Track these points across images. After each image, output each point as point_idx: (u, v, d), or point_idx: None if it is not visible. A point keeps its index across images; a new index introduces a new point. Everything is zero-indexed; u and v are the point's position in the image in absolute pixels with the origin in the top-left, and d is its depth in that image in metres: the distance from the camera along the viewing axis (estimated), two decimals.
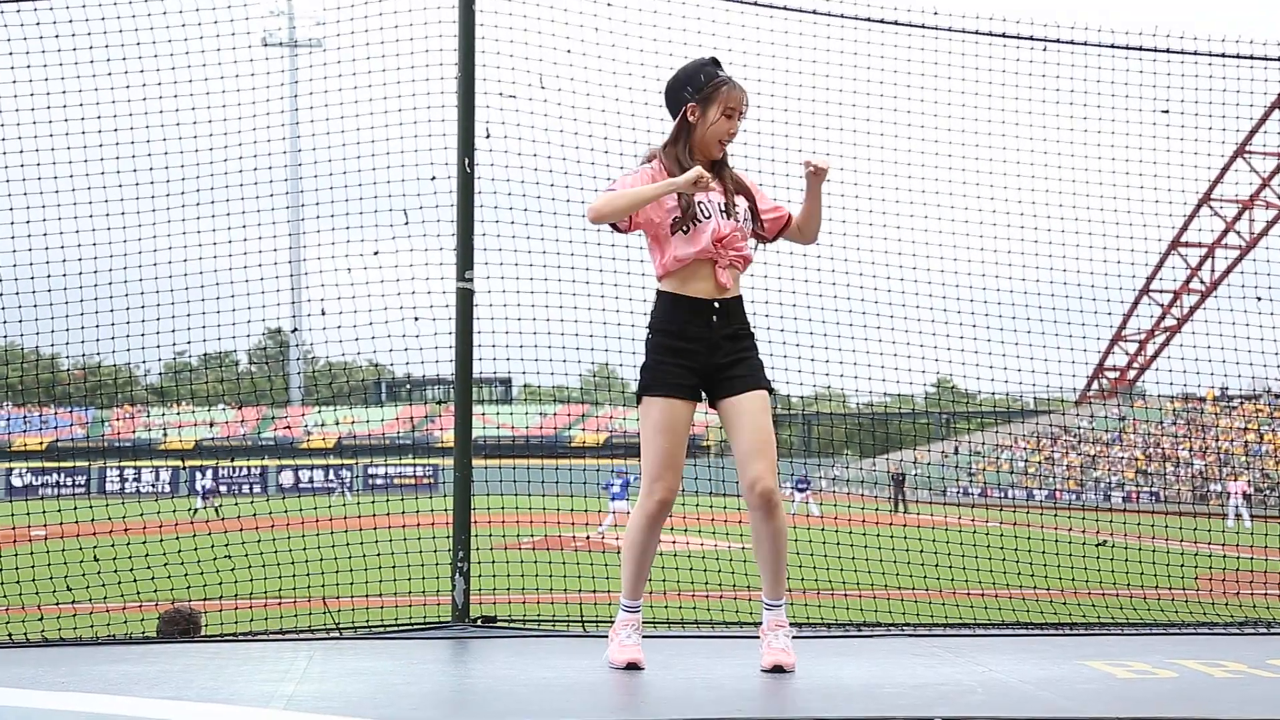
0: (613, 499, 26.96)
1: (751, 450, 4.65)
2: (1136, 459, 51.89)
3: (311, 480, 56.87)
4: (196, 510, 31.70)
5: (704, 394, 4.79)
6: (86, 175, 7.06)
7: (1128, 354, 63.14)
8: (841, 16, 7.44)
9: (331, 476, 56.55)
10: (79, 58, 7.02)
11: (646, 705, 4.36)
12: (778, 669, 4.69)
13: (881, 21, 7.50)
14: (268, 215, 7.61)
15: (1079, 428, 56.53)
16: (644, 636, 4.93)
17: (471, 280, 6.40)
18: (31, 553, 8.85)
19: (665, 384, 4.72)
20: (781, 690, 4.56)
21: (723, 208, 4.75)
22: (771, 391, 4.78)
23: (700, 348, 4.72)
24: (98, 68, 7.08)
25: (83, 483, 51.89)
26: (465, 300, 6.39)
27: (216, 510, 30.15)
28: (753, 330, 4.85)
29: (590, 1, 7.13)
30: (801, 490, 37.86)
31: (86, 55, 7.02)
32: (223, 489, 51.28)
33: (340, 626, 6.16)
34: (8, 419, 43.70)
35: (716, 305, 4.72)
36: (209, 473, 45.00)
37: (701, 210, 4.72)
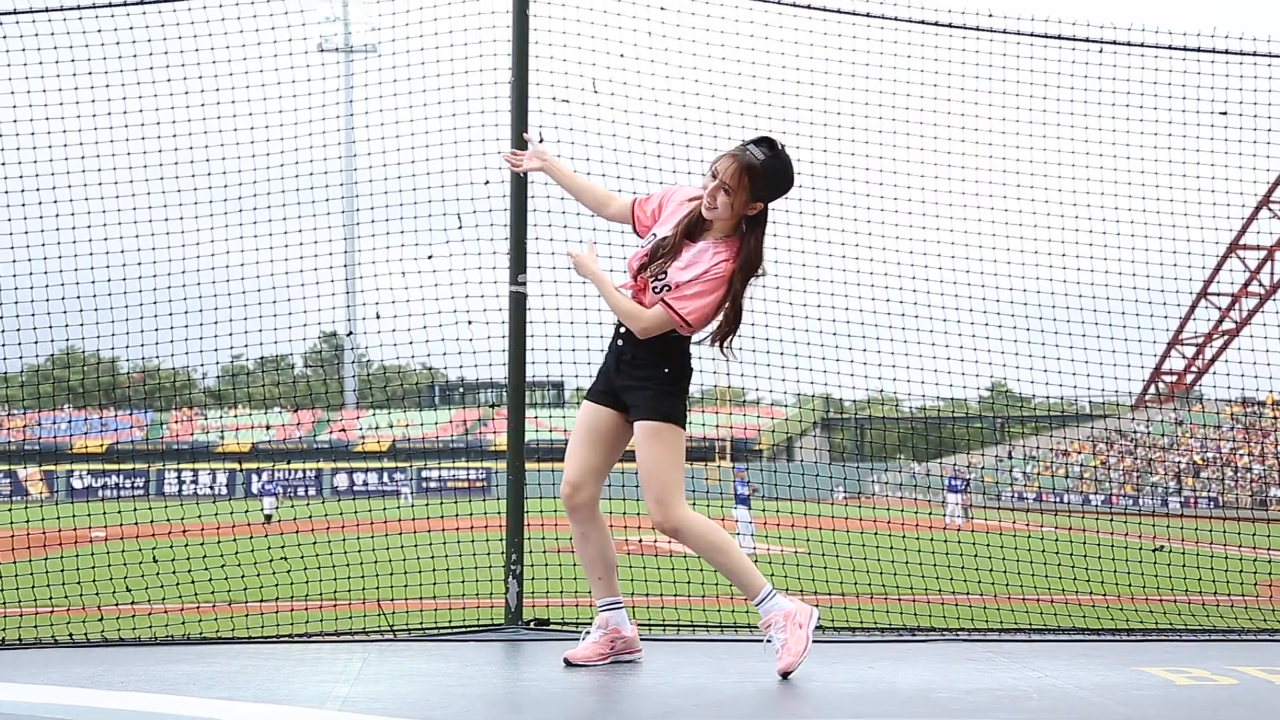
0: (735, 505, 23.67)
1: (641, 486, 4.86)
2: (1195, 463, 51.27)
3: (366, 484, 57.17)
4: (269, 516, 30.59)
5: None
6: (146, 181, 7.15)
7: (1185, 357, 62.44)
8: (895, 19, 7.41)
9: (388, 480, 56.74)
10: (139, 64, 7.11)
11: (700, 710, 4.36)
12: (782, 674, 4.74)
13: (947, 25, 7.47)
14: (323, 219, 7.68)
15: (1135, 432, 55.93)
16: (684, 641, 4.95)
17: (524, 284, 6.42)
18: (91, 554, 8.95)
19: (590, 388, 5.15)
20: (837, 694, 4.54)
21: (659, 244, 4.92)
22: (668, 420, 4.84)
23: (611, 365, 5.07)
24: (157, 74, 7.18)
25: (141, 484, 52.54)
26: (518, 304, 6.41)
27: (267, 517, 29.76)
28: (660, 365, 4.91)
29: (643, 6, 7.14)
30: (955, 492, 32.91)
31: (146, 63, 7.12)
32: (278, 491, 51.57)
33: (394, 628, 6.19)
34: (68, 421, 44.29)
35: (622, 330, 5.01)
36: (263, 475, 45.00)
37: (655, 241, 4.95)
